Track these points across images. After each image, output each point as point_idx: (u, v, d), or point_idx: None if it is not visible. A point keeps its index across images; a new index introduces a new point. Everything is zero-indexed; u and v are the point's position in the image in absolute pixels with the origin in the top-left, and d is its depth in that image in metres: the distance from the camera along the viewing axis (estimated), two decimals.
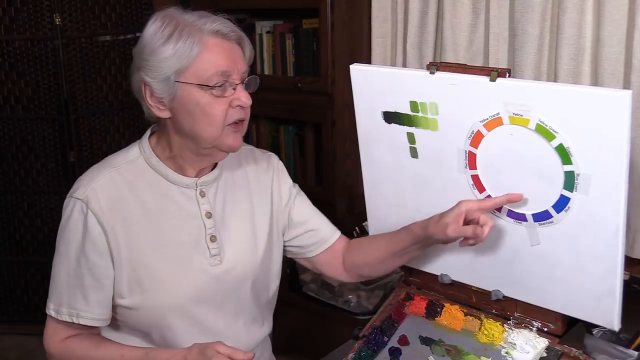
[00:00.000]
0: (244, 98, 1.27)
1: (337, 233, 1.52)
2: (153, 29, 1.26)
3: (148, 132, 1.38)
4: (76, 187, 1.31)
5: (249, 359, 1.18)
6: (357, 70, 1.41)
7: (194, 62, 1.24)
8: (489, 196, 1.29)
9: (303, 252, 1.50)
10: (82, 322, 1.31)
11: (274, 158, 1.52)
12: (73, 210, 1.29)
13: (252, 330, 1.44)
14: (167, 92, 1.26)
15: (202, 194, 1.36)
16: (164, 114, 1.28)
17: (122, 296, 1.31)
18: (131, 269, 1.30)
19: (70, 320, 1.31)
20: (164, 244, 1.32)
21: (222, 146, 1.29)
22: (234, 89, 1.26)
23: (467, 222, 1.25)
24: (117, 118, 2.94)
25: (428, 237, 1.31)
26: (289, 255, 1.53)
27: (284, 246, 1.50)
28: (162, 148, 1.34)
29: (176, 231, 1.33)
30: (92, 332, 1.35)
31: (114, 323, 1.36)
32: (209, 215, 1.35)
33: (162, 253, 1.31)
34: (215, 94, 1.25)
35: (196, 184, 1.35)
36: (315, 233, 1.49)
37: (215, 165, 1.39)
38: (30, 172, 2.90)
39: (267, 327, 1.50)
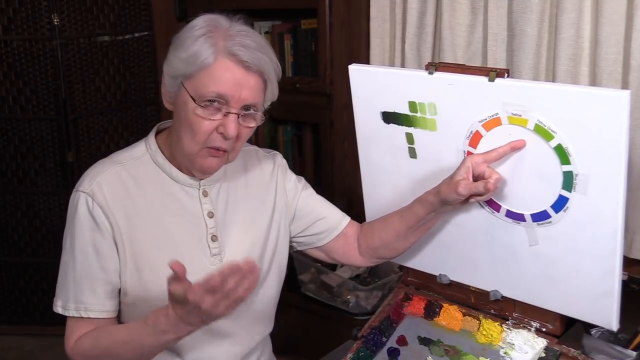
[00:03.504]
0: (229, 129, 1.23)
1: (347, 218, 1.52)
2: (191, 24, 1.26)
3: (154, 130, 1.39)
4: (81, 181, 1.32)
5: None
6: (355, 71, 1.41)
7: (198, 74, 1.23)
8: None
9: (314, 242, 1.50)
10: (91, 315, 1.31)
11: (278, 157, 1.52)
12: (79, 204, 1.30)
13: (254, 330, 1.45)
14: (173, 89, 1.27)
15: (205, 194, 1.36)
16: (169, 107, 1.31)
17: (125, 292, 1.32)
18: (133, 265, 1.31)
19: (79, 315, 1.31)
20: (165, 242, 1.32)
21: (195, 164, 1.29)
22: (226, 115, 1.24)
23: (475, 177, 1.24)
24: (116, 118, 2.94)
25: (442, 200, 1.29)
26: (301, 248, 1.53)
27: (295, 240, 1.51)
28: (169, 145, 1.35)
29: (178, 230, 1.34)
30: (104, 323, 1.32)
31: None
32: (211, 214, 1.36)
33: (163, 251, 1.32)
34: (200, 110, 1.23)
35: (199, 183, 1.36)
36: (324, 221, 1.49)
37: None
38: (28, 173, 2.90)
39: (269, 326, 1.50)
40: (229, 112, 1.23)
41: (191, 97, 1.23)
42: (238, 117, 1.25)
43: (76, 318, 1.32)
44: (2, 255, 2.99)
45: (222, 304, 1.08)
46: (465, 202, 1.27)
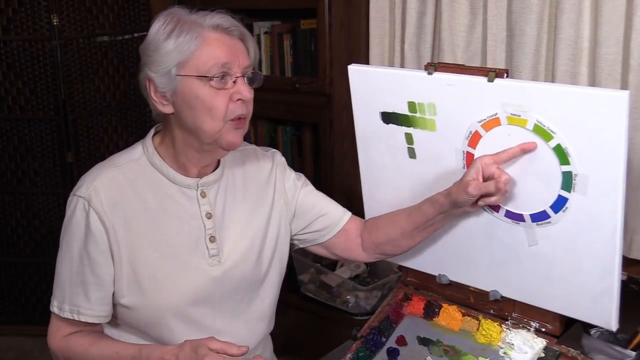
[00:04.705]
0: (244, 91, 1.27)
1: (348, 214, 1.52)
2: (157, 27, 1.28)
3: (152, 132, 1.39)
4: (79, 185, 1.32)
5: (243, 353, 1.18)
6: (355, 71, 1.41)
7: (194, 55, 1.25)
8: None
9: (316, 238, 1.51)
10: (82, 319, 1.32)
11: (277, 155, 1.52)
12: (76, 208, 1.30)
13: (254, 329, 1.45)
14: (169, 87, 1.27)
15: (203, 195, 1.36)
16: (167, 109, 1.30)
17: (122, 295, 1.32)
18: (130, 268, 1.31)
19: (72, 317, 1.33)
20: (163, 244, 1.32)
21: (222, 142, 1.29)
22: (235, 82, 1.27)
23: (485, 179, 1.24)
24: (115, 119, 2.94)
25: (452, 202, 1.29)
26: (303, 245, 1.54)
27: (297, 237, 1.51)
28: (165, 147, 1.35)
29: (176, 231, 1.34)
30: (93, 328, 1.36)
31: (113, 321, 1.37)
32: (209, 215, 1.36)
33: (161, 253, 1.32)
34: (215, 86, 1.25)
35: (197, 184, 1.36)
36: (326, 217, 1.49)
37: (217, 166, 1.40)
38: (27, 173, 2.89)
39: (269, 325, 1.50)
40: (236, 77, 1.27)
41: (198, 76, 1.25)
42: (244, 79, 1.28)
43: (67, 317, 1.34)
44: (2, 256, 2.99)
45: None
46: (475, 205, 1.27)
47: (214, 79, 1.25)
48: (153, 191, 1.33)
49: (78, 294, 1.32)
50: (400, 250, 1.47)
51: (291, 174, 1.51)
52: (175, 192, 1.35)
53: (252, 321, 1.44)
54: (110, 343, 1.34)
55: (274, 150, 1.54)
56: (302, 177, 1.53)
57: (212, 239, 1.35)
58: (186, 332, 1.33)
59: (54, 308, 1.35)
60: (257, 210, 1.43)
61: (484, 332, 1.35)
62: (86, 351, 1.33)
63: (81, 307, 1.32)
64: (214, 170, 1.39)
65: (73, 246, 1.31)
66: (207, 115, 1.26)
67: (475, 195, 1.23)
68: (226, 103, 1.26)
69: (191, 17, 1.28)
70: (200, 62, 1.25)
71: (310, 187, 1.53)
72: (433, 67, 1.29)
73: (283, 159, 1.52)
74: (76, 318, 1.32)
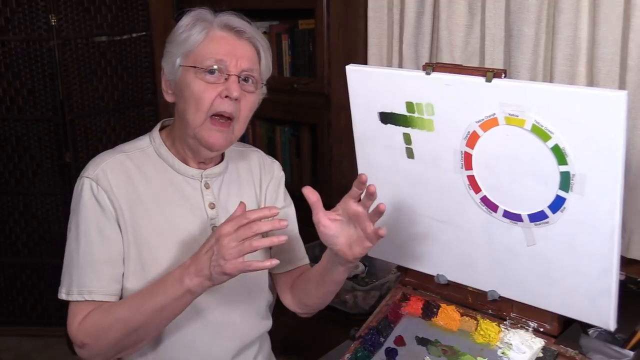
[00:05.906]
0: (232, 89, 1.29)
1: (307, 260, 1.52)
2: (179, 23, 1.34)
3: (158, 125, 1.43)
4: (86, 168, 1.35)
5: (274, 214, 1.18)
6: (353, 71, 1.41)
7: (196, 49, 1.31)
8: (484, 197, 1.29)
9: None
10: (95, 297, 1.29)
11: (277, 165, 1.55)
12: (83, 189, 1.32)
13: (252, 324, 1.46)
14: (173, 75, 1.33)
15: (207, 186, 1.39)
16: (170, 98, 1.36)
17: (127, 277, 1.32)
18: (136, 251, 1.32)
19: (82, 299, 1.29)
20: (166, 230, 1.34)
21: (201, 139, 1.31)
22: (227, 79, 1.29)
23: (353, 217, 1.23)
24: (113, 119, 2.94)
25: (331, 250, 1.29)
26: None
27: None
28: (171, 139, 1.39)
29: (179, 220, 1.36)
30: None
31: None
32: (212, 206, 1.39)
33: (164, 239, 1.34)
34: (201, 78, 1.29)
35: (202, 175, 1.39)
36: (288, 250, 1.48)
37: (222, 159, 1.43)
38: (25, 173, 2.90)
39: (266, 322, 1.51)
40: (229, 75, 1.30)
41: (193, 67, 1.29)
42: (239, 80, 1.31)
43: (79, 301, 1.30)
44: (0, 256, 2.99)
45: (234, 244, 1.14)
46: (359, 251, 1.24)
47: (204, 70, 1.28)
48: (158, 179, 1.36)
49: (87, 274, 1.29)
50: (315, 300, 1.45)
51: (284, 192, 1.53)
52: (180, 182, 1.38)
53: (251, 316, 1.45)
54: (132, 295, 1.30)
55: (276, 161, 1.56)
56: (292, 204, 1.54)
57: (215, 229, 1.36)
58: (184, 321, 1.33)
59: (62, 295, 1.31)
60: (259, 206, 1.47)
61: (482, 332, 1.35)
62: (105, 314, 1.27)
63: (91, 287, 1.29)
64: (218, 164, 1.42)
65: (82, 226, 1.30)
66: (192, 106, 1.29)
67: (324, 221, 1.22)
68: (213, 97, 1.29)
69: (210, 16, 1.33)
70: (200, 54, 1.30)
71: (294, 215, 1.53)
72: (431, 67, 1.29)
73: (283, 173, 1.55)
74: (87, 298, 1.29)
